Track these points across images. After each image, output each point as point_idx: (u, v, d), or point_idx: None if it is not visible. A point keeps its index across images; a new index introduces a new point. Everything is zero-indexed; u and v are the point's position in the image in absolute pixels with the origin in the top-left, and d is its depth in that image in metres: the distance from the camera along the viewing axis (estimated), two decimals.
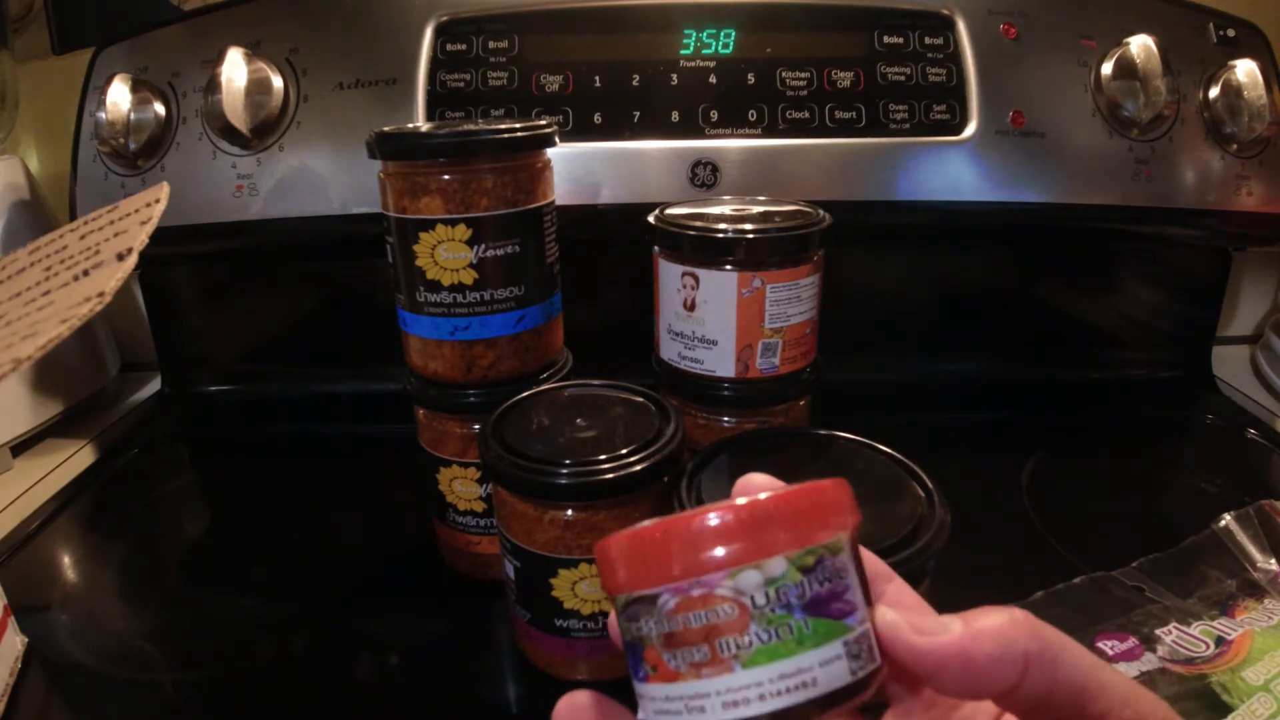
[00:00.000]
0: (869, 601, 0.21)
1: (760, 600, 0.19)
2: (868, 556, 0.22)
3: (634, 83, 0.59)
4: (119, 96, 0.58)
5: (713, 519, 0.19)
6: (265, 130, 0.59)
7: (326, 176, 0.59)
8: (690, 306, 0.43)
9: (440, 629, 0.45)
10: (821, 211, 0.44)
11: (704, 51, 0.60)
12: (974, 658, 0.19)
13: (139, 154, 0.60)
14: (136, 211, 0.30)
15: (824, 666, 0.19)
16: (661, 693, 0.20)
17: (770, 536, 0.19)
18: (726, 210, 0.46)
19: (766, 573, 0.19)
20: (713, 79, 0.59)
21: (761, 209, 0.46)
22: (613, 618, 0.23)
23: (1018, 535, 0.51)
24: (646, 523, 0.20)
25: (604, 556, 0.21)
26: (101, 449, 0.65)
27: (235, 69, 0.56)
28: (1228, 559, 0.43)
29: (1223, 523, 0.45)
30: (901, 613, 0.20)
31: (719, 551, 0.19)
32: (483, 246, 0.42)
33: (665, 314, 0.45)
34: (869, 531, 0.29)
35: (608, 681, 0.40)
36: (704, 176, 0.59)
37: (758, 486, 0.24)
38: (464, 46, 0.60)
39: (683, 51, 0.60)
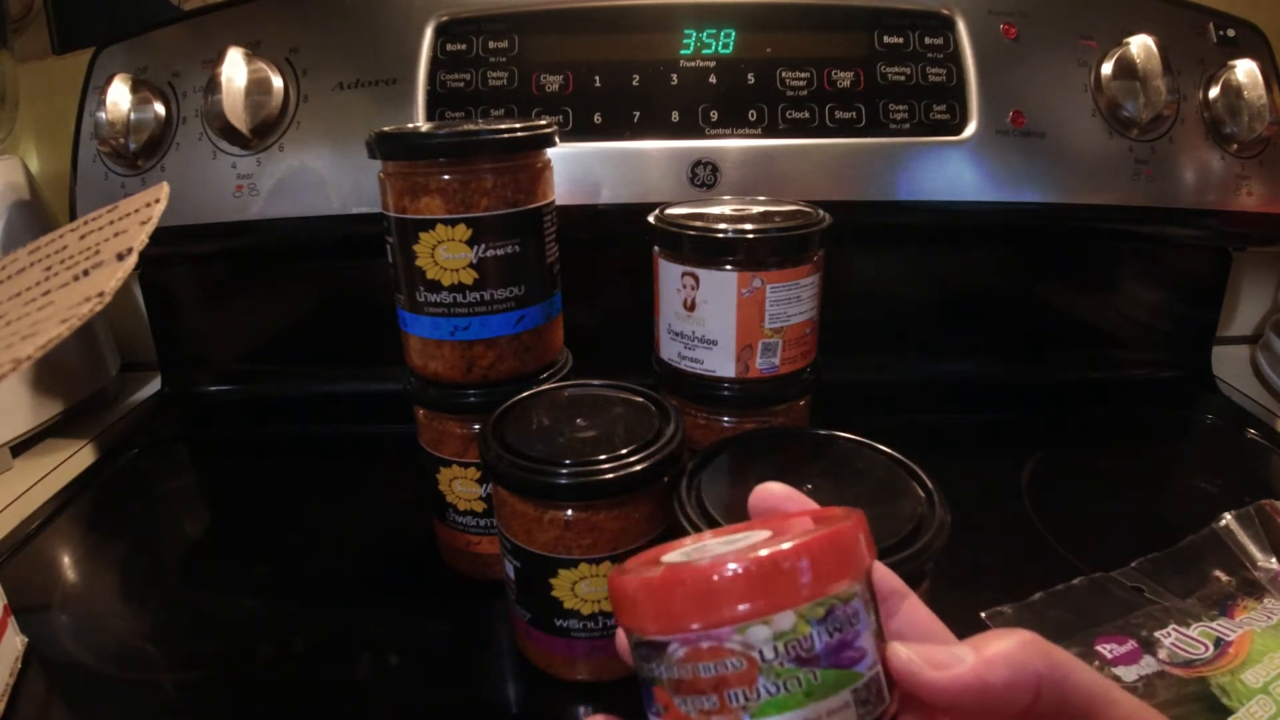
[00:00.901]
0: (881, 635, 0.21)
1: (769, 654, 0.19)
2: (881, 572, 0.22)
3: (634, 83, 0.59)
4: (119, 96, 0.58)
5: (725, 572, 0.19)
6: (265, 130, 0.59)
7: (326, 176, 0.59)
8: (690, 306, 0.43)
9: (440, 629, 0.45)
10: (821, 211, 0.44)
11: (704, 51, 0.60)
12: (990, 685, 0.19)
13: (139, 154, 0.60)
14: (136, 211, 0.30)
15: (831, 715, 0.19)
16: None
17: (781, 591, 0.19)
18: (726, 210, 0.46)
19: (776, 627, 0.19)
20: (713, 79, 0.59)
21: (761, 209, 0.46)
22: (623, 638, 0.23)
23: (1018, 535, 0.51)
24: (661, 567, 0.20)
25: (618, 595, 0.21)
26: (101, 449, 0.65)
27: (235, 69, 0.56)
28: (1228, 558, 0.43)
29: (1223, 522, 0.45)
30: (915, 649, 0.20)
31: (729, 606, 0.19)
32: (483, 246, 0.42)
33: (665, 314, 0.45)
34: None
35: (608, 681, 0.40)
36: (704, 176, 0.59)
37: (775, 495, 0.24)
38: (464, 46, 0.60)
39: (683, 51, 0.60)
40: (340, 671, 0.42)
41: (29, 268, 0.30)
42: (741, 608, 0.19)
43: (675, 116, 0.59)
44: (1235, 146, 0.61)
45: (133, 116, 0.59)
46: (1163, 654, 0.37)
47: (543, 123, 0.44)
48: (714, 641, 0.19)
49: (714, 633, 0.19)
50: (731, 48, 0.60)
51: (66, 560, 0.53)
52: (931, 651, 0.20)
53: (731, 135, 0.59)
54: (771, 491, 0.25)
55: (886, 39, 0.60)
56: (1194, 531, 0.45)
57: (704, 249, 0.42)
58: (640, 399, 0.41)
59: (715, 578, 0.19)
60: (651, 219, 0.45)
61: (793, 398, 0.46)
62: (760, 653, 0.19)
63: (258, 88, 0.58)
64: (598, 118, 0.59)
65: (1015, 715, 0.20)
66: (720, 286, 0.42)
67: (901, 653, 0.20)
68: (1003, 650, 0.20)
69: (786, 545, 0.19)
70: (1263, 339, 0.75)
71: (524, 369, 0.46)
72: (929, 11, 0.60)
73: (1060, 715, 0.19)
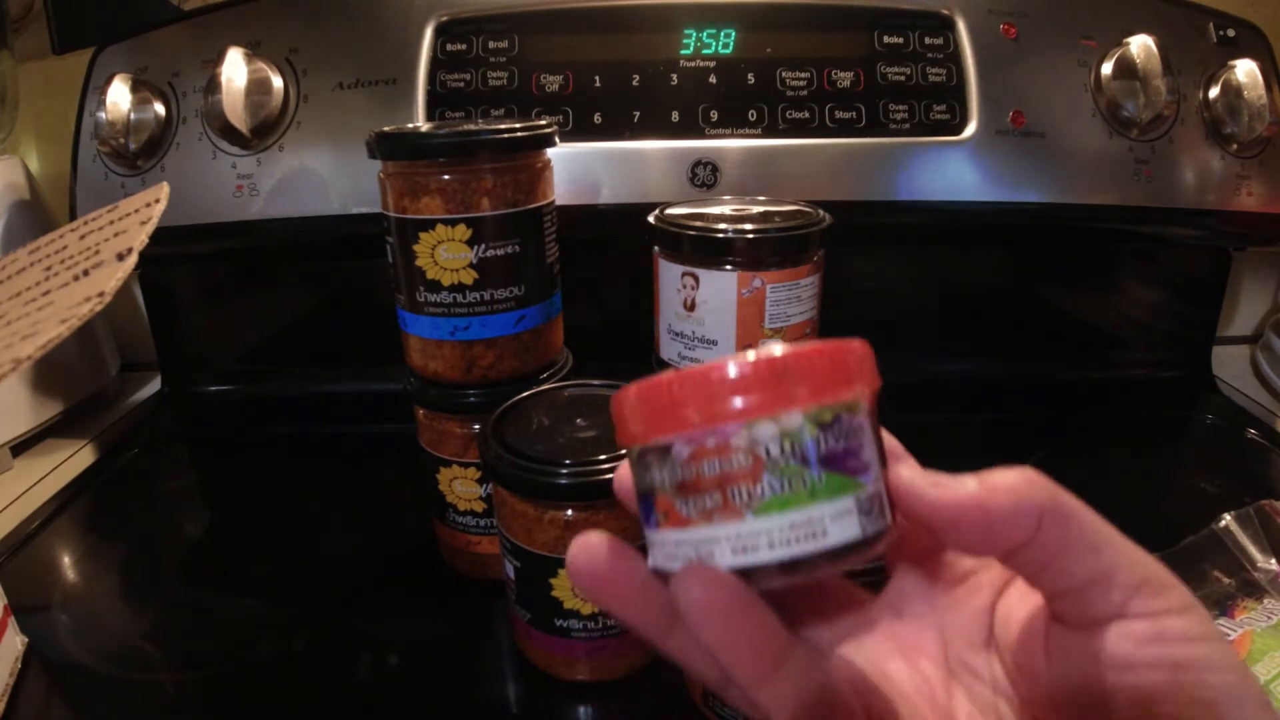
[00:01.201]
0: (884, 462, 0.21)
1: (775, 452, 0.19)
2: (883, 436, 0.22)
3: (634, 83, 0.59)
4: (119, 96, 0.58)
5: (732, 370, 0.19)
6: (265, 130, 0.59)
7: (326, 176, 0.59)
8: (690, 306, 0.43)
9: (440, 629, 0.45)
10: (821, 211, 0.44)
11: (704, 51, 0.60)
12: (990, 510, 0.19)
13: (139, 154, 0.60)
14: (136, 211, 0.30)
15: (834, 520, 0.19)
16: (673, 538, 0.20)
17: (789, 390, 0.19)
18: (726, 210, 0.46)
19: (783, 426, 0.19)
20: (713, 79, 0.59)
21: (761, 209, 0.46)
22: (624, 472, 0.23)
23: None
24: (664, 373, 0.20)
25: (620, 407, 0.21)
26: (101, 449, 0.65)
27: (235, 69, 0.56)
28: (1227, 559, 0.43)
29: (1223, 523, 0.44)
30: (917, 470, 0.21)
31: (736, 402, 0.19)
32: (483, 246, 0.42)
33: (665, 314, 0.45)
34: None
35: (608, 682, 0.40)
36: (704, 176, 0.59)
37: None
38: (464, 46, 0.60)
39: (683, 51, 0.60)
40: (340, 671, 0.42)
41: (29, 268, 0.30)
42: (749, 403, 0.19)
43: (675, 116, 0.59)
44: (1235, 146, 0.61)
45: (133, 116, 0.59)
46: None
47: (543, 123, 0.44)
48: (720, 438, 0.19)
49: (721, 428, 0.19)
50: (731, 48, 0.60)
51: (66, 560, 0.53)
52: (934, 474, 0.20)
53: (731, 135, 0.59)
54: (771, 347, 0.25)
55: (886, 39, 0.60)
56: (1194, 532, 0.45)
57: (704, 249, 0.42)
58: None
59: (725, 374, 0.19)
60: (651, 219, 0.45)
61: None
62: (766, 449, 0.19)
63: (258, 88, 0.58)
64: (598, 118, 0.59)
65: (1017, 548, 0.19)
66: (720, 286, 0.42)
67: (904, 471, 0.20)
68: (1006, 480, 0.19)
69: (798, 349, 0.19)
70: (1263, 339, 0.75)
71: (524, 369, 0.46)
72: (929, 11, 0.60)
73: (1062, 554, 0.19)
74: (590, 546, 0.21)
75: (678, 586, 0.19)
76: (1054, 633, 0.21)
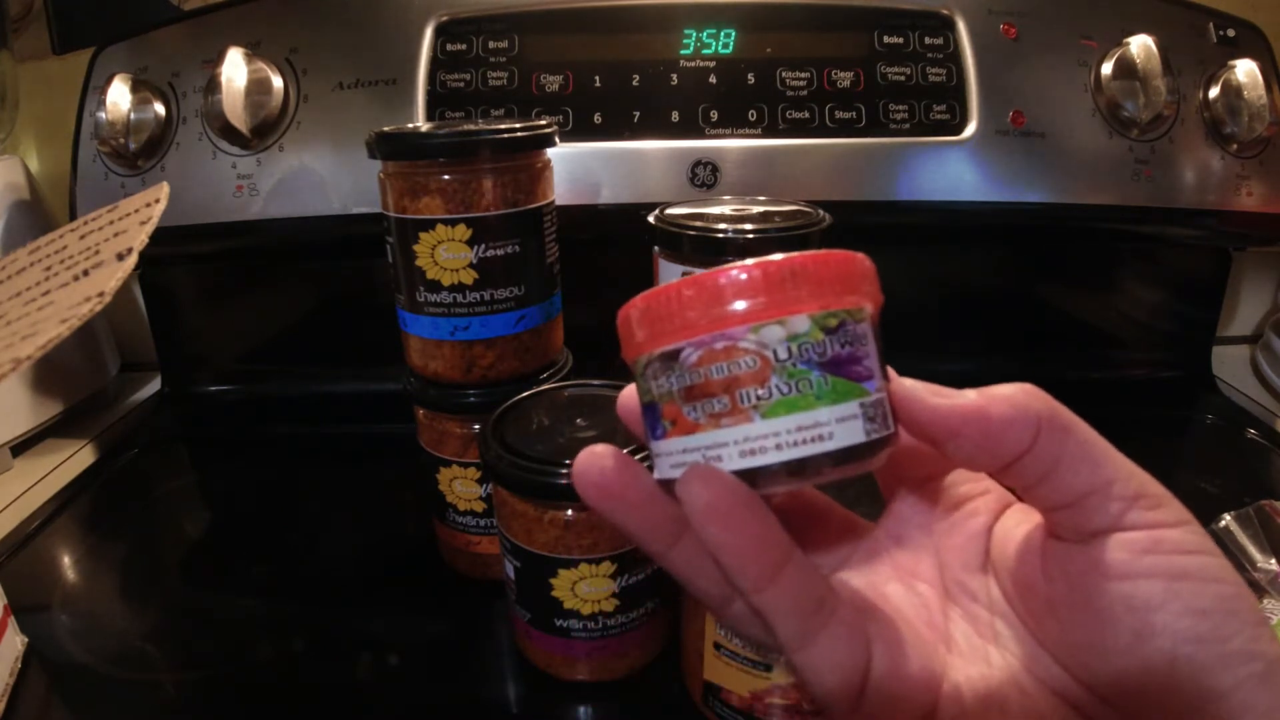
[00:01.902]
0: (886, 375, 0.21)
1: (782, 354, 0.19)
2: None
3: (634, 83, 0.59)
4: (119, 96, 0.58)
5: (738, 274, 0.19)
6: (265, 130, 0.59)
7: (326, 176, 0.59)
8: None
9: (440, 629, 0.45)
10: (821, 211, 0.44)
11: (704, 51, 0.60)
12: (989, 418, 0.19)
13: (139, 154, 0.60)
14: (136, 211, 0.30)
15: (840, 423, 0.19)
16: (679, 445, 0.20)
17: (795, 294, 0.19)
18: (726, 210, 0.46)
19: (790, 328, 0.19)
20: (713, 79, 0.59)
21: (761, 209, 0.46)
22: (628, 393, 0.23)
23: None
24: (671, 282, 0.20)
25: (626, 318, 0.21)
26: (101, 449, 0.65)
27: (235, 69, 0.56)
28: (1227, 559, 0.43)
29: (1223, 523, 0.44)
30: (918, 381, 0.21)
31: (743, 305, 0.19)
32: (483, 246, 0.42)
33: None
34: None
35: (608, 682, 0.40)
36: (704, 176, 0.59)
37: None
38: (464, 46, 0.60)
39: (683, 51, 0.60)
40: (340, 671, 0.42)
41: (29, 268, 0.30)
42: (757, 303, 0.19)
43: (675, 116, 0.59)
44: (1235, 146, 0.61)
45: (133, 116, 0.59)
46: None
47: (543, 123, 0.44)
48: (728, 341, 0.19)
49: (729, 331, 0.19)
50: (731, 48, 0.60)
51: (66, 560, 0.53)
52: (933, 385, 0.21)
53: (731, 135, 0.59)
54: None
55: (886, 39, 0.60)
56: None
57: (704, 249, 0.42)
58: None
59: (731, 277, 0.19)
60: (651, 219, 0.45)
61: None
62: (774, 352, 0.19)
63: (258, 88, 0.58)
64: (598, 118, 0.59)
65: (1015, 458, 0.20)
66: None
67: (905, 381, 0.21)
68: (1005, 391, 0.20)
69: (804, 254, 0.19)
70: (1263, 339, 0.75)
71: (524, 369, 0.46)
72: (929, 11, 0.60)
73: (1058, 465, 0.19)
74: (597, 455, 0.21)
75: (683, 489, 0.19)
76: (1051, 549, 0.21)
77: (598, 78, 0.59)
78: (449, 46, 0.59)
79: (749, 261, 0.19)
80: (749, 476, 0.19)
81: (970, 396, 0.20)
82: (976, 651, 0.22)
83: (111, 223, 0.30)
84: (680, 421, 0.20)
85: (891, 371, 0.22)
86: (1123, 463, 0.20)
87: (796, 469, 0.19)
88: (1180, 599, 0.19)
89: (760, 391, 0.19)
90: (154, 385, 0.75)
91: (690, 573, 0.21)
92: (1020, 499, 0.24)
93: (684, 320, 0.19)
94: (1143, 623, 0.19)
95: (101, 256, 0.27)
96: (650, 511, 0.21)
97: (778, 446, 0.19)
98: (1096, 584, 0.20)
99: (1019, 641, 0.22)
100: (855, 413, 0.19)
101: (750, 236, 0.41)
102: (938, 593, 0.24)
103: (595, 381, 0.43)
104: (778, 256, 0.19)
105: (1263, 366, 0.73)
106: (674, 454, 0.20)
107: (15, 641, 0.41)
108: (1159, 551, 0.19)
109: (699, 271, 0.20)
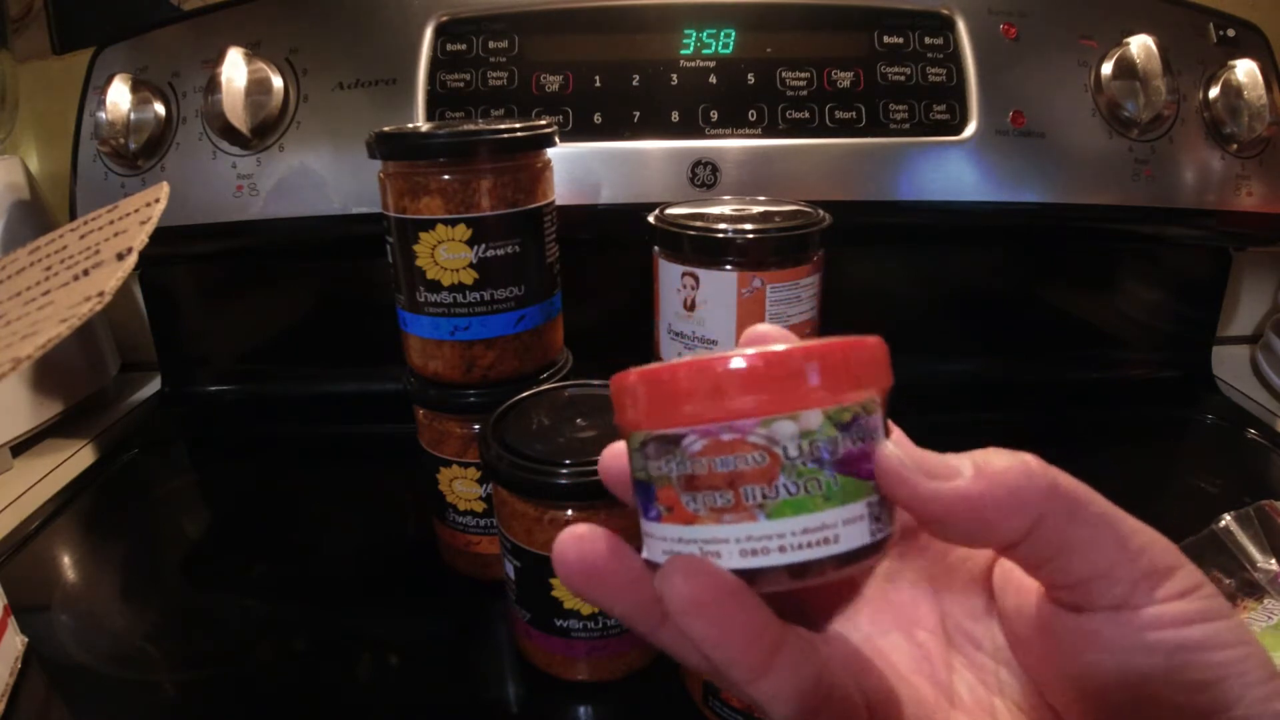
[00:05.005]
0: None
1: (793, 452, 0.18)
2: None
3: (634, 83, 0.59)
4: (119, 96, 0.58)
5: (750, 363, 0.18)
6: (265, 130, 0.59)
7: (326, 176, 0.59)
8: (690, 306, 0.43)
9: (440, 629, 0.45)
10: (821, 211, 0.44)
11: (704, 51, 0.60)
12: (983, 509, 0.18)
13: (139, 154, 0.60)
14: (136, 211, 0.30)
15: (846, 525, 0.18)
16: (675, 533, 0.19)
17: (807, 387, 0.18)
18: (726, 210, 0.46)
19: (802, 425, 0.18)
20: (713, 79, 0.59)
21: (761, 209, 0.46)
22: (612, 456, 0.22)
23: None
24: (675, 360, 0.19)
25: (624, 390, 0.20)
26: (101, 449, 0.65)
27: (235, 69, 0.56)
28: (1227, 559, 0.43)
29: (1223, 523, 0.44)
30: (909, 450, 0.19)
31: (755, 397, 0.18)
32: (483, 246, 0.42)
33: (665, 314, 0.45)
34: None
35: (608, 682, 0.40)
36: (704, 176, 0.59)
37: (768, 336, 0.23)
38: (464, 46, 0.59)
39: (683, 51, 0.60)
40: (340, 671, 0.42)
41: (29, 268, 0.30)
42: (769, 396, 0.18)
43: (675, 116, 0.59)
44: (1235, 146, 0.61)
45: (133, 116, 0.59)
46: None
47: (543, 123, 0.44)
48: (736, 434, 0.18)
49: (738, 424, 0.18)
50: (731, 48, 0.60)
51: (66, 560, 0.53)
52: (925, 456, 0.19)
53: (731, 135, 0.59)
54: (764, 333, 0.23)
55: (886, 39, 0.60)
56: (1194, 532, 0.45)
57: (704, 249, 0.42)
58: None
59: (742, 365, 0.18)
60: (651, 219, 0.45)
61: None
62: (784, 449, 0.18)
63: (258, 88, 0.58)
64: (598, 118, 0.59)
65: (1008, 547, 0.19)
66: (720, 286, 0.42)
67: (890, 449, 0.19)
68: (1001, 465, 0.18)
69: (818, 343, 0.18)
70: (1263, 339, 0.75)
71: (524, 369, 0.46)
72: (929, 11, 0.60)
73: (1061, 555, 0.18)
74: (580, 538, 0.20)
75: (663, 581, 0.18)
76: (1048, 612, 0.20)
77: (598, 78, 0.59)
78: (449, 46, 0.59)
79: (759, 349, 0.18)
80: (748, 576, 0.18)
81: (965, 478, 0.18)
82: (981, 705, 0.22)
83: (111, 222, 0.30)
84: (678, 510, 0.19)
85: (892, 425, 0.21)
86: (1131, 538, 0.19)
87: (799, 571, 0.18)
88: (1181, 673, 0.18)
89: (766, 490, 0.18)
90: (154, 385, 0.75)
91: (682, 651, 0.20)
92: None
93: (688, 406, 0.18)
94: (1143, 694, 0.19)
95: (101, 256, 0.27)
96: (637, 593, 0.20)
97: (781, 549, 0.18)
98: (1095, 656, 0.19)
99: (1023, 693, 0.21)
100: (862, 513, 0.18)
101: (750, 236, 0.41)
102: (940, 640, 0.23)
103: (595, 381, 0.43)
104: (787, 345, 0.18)
105: (1263, 366, 0.73)
106: (669, 540, 0.19)
107: (15, 641, 0.41)
108: (1160, 627, 0.18)
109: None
